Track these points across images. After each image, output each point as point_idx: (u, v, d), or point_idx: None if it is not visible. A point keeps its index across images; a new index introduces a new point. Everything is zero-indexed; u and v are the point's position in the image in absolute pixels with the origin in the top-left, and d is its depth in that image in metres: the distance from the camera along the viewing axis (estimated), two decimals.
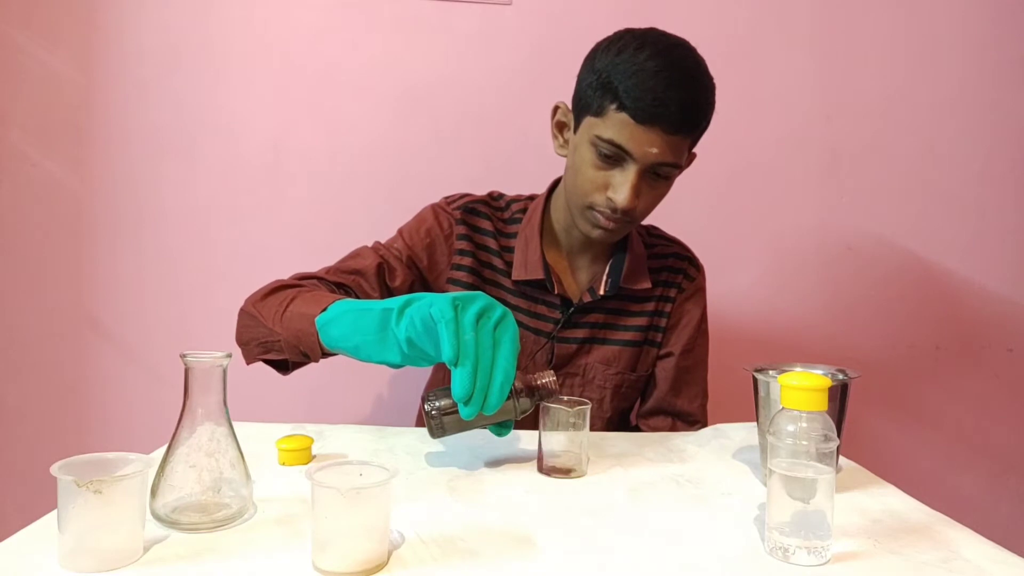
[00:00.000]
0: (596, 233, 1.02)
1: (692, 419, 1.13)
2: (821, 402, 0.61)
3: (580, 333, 1.09)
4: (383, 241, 1.10)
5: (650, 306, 1.12)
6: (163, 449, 0.66)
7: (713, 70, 0.91)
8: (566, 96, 1.04)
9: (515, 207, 1.14)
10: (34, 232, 1.41)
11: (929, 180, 1.52)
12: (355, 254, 1.07)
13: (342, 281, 1.01)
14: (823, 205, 1.51)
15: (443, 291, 1.09)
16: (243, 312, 0.95)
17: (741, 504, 0.73)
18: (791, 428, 0.62)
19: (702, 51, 0.97)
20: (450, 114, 1.45)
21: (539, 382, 0.81)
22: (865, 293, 1.53)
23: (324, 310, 0.82)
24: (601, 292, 1.08)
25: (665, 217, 1.26)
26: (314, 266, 1.02)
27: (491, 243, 1.11)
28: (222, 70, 1.42)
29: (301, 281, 0.97)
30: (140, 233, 1.43)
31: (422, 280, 1.09)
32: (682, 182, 1.53)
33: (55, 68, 1.39)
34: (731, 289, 1.48)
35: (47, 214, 1.41)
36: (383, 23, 1.43)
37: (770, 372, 0.81)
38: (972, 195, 1.53)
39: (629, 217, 0.99)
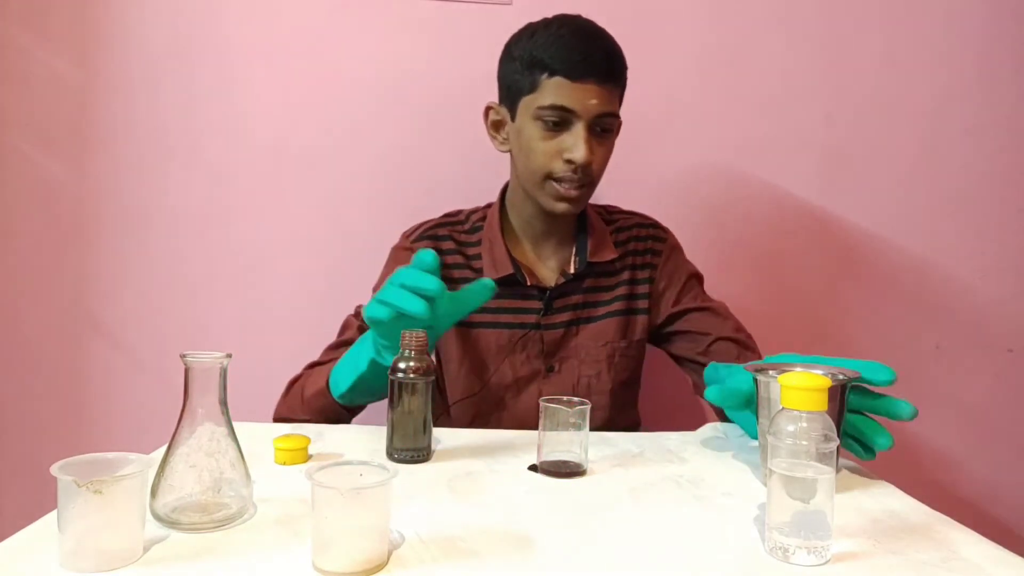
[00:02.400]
0: (561, 207, 1.07)
1: (745, 343, 1.13)
2: (821, 402, 0.61)
3: (564, 317, 1.13)
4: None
5: (625, 275, 1.16)
6: (163, 449, 0.66)
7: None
8: None
9: (474, 217, 1.19)
10: (34, 232, 1.41)
11: (929, 180, 1.52)
12: (343, 327, 1.14)
13: (339, 356, 1.10)
14: (823, 205, 1.51)
15: None
16: (277, 418, 1.08)
17: (741, 504, 0.73)
18: (791, 428, 0.62)
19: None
20: (450, 114, 1.45)
21: None
22: (865, 293, 1.53)
23: (327, 379, 1.00)
24: (572, 270, 1.13)
25: (665, 217, 1.26)
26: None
27: (458, 259, 1.15)
28: (222, 70, 1.42)
29: (307, 370, 1.10)
30: (140, 233, 1.43)
31: None
32: (682, 182, 1.54)
33: (55, 68, 1.39)
34: (731, 289, 1.48)
35: (47, 214, 1.41)
36: (383, 23, 1.43)
37: (770, 372, 0.81)
38: (972, 195, 1.53)
39: (589, 176, 1.05)
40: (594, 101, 1.01)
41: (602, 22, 1.06)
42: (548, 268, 1.15)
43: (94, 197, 1.41)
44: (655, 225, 1.22)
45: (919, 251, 1.53)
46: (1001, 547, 0.64)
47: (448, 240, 1.15)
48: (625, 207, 1.25)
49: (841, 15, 1.49)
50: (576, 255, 1.14)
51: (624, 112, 1.07)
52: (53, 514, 0.60)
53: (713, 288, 1.22)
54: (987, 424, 1.56)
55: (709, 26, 1.46)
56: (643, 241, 1.19)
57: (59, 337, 1.43)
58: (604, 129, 1.05)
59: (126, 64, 1.40)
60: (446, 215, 1.20)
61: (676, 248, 1.22)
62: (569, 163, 1.03)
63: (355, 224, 1.44)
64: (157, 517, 0.63)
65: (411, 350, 0.83)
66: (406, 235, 1.18)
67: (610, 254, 1.15)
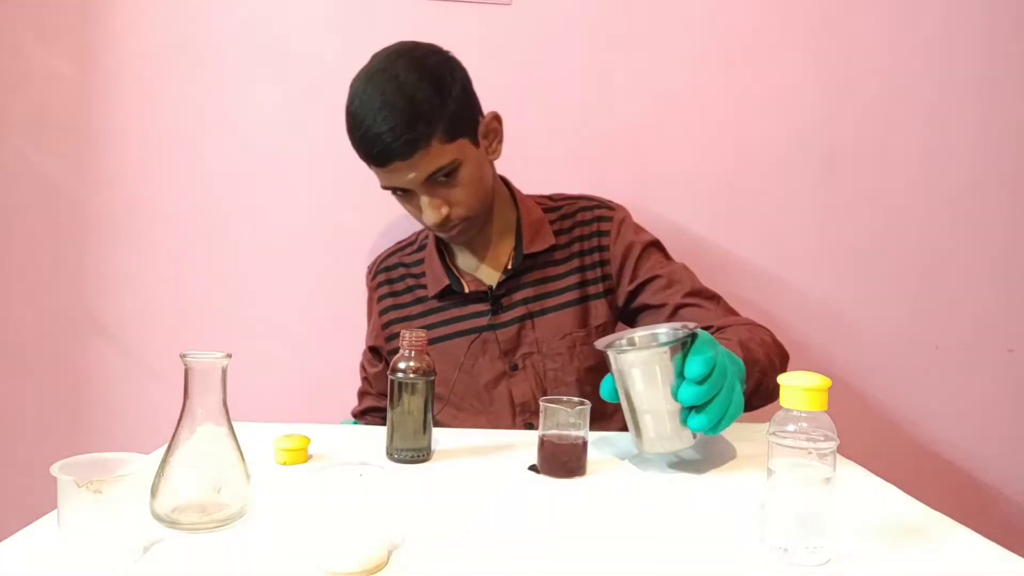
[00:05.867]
0: (456, 239, 1.10)
1: (705, 295, 1.11)
2: (821, 402, 0.61)
3: (516, 313, 1.13)
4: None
5: (574, 263, 1.15)
6: (163, 449, 0.66)
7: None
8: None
9: (422, 236, 1.22)
10: (34, 232, 1.41)
11: (928, 180, 1.52)
12: (361, 376, 1.28)
13: (365, 404, 1.27)
14: (823, 205, 1.51)
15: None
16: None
17: (741, 503, 0.73)
18: (791, 428, 0.62)
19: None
20: None
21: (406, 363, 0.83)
22: (865, 293, 1.53)
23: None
24: (509, 266, 1.13)
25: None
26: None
27: (409, 282, 1.19)
28: (222, 69, 1.42)
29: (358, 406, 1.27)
30: (140, 233, 1.42)
31: (388, 352, 1.20)
32: (682, 182, 1.53)
33: (55, 68, 1.39)
34: (731, 289, 1.48)
35: (47, 214, 1.41)
36: (383, 23, 1.43)
37: (620, 342, 0.85)
38: (972, 195, 1.53)
39: (453, 221, 1.05)
40: (412, 175, 0.99)
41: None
42: (492, 270, 1.15)
43: (94, 197, 1.41)
44: (600, 204, 1.19)
45: (918, 251, 1.53)
46: (1001, 547, 0.64)
47: (398, 268, 1.22)
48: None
49: (841, 16, 1.49)
50: (514, 251, 1.14)
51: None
52: (53, 514, 0.60)
53: (711, 287, 1.21)
54: (987, 424, 1.56)
55: (707, 24, 1.46)
56: (588, 224, 1.17)
57: (59, 337, 1.43)
58: (447, 175, 1.01)
59: (126, 64, 1.40)
60: (399, 242, 1.27)
61: (624, 222, 1.17)
62: (426, 224, 1.05)
63: (354, 223, 1.44)
64: (157, 517, 0.63)
65: (411, 350, 0.82)
66: (369, 272, 1.26)
67: (547, 242, 1.13)
